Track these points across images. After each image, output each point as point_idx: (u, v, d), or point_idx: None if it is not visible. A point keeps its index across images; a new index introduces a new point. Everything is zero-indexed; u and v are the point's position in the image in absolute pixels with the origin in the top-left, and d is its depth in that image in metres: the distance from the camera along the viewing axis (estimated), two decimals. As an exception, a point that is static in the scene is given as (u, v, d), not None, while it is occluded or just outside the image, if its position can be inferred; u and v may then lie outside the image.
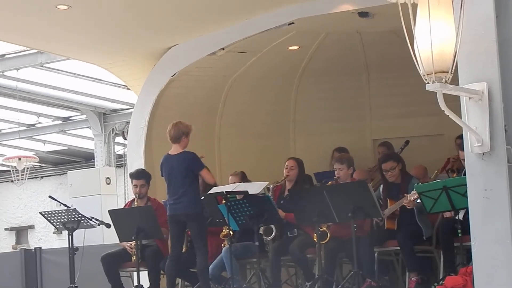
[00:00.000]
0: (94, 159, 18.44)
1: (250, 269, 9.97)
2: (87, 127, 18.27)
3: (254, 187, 9.10)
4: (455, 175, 9.35)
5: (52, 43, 11.08)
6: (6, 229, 22.40)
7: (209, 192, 9.04)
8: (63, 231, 10.43)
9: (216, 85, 11.73)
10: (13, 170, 16.95)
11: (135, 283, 9.49)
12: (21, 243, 21.67)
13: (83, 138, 19.66)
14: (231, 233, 9.14)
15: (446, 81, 5.57)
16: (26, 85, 15.86)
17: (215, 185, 9.24)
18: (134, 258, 9.56)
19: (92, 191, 17.05)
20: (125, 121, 17.04)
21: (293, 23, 9.99)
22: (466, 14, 5.66)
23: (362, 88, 12.23)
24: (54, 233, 19.40)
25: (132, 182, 10.01)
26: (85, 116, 17.93)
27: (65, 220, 9.84)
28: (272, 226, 9.35)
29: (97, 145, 18.12)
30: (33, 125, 18.62)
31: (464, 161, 6.15)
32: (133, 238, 9.37)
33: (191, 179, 8.94)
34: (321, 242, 8.69)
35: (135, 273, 9.59)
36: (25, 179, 17.10)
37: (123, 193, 18.30)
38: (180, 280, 9.80)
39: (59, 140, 19.84)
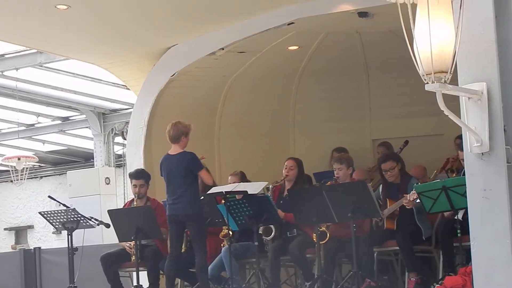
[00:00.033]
0: (93, 159, 18.40)
1: (250, 269, 9.96)
2: (87, 127, 18.23)
3: (254, 187, 9.10)
4: (454, 175, 9.34)
5: (51, 43, 11.06)
6: (5, 229, 22.37)
7: (208, 192, 9.04)
8: (62, 231, 10.41)
9: (216, 85, 11.72)
10: (12, 170, 16.93)
11: (135, 283, 9.51)
12: (21, 243, 21.66)
13: (82, 138, 19.63)
14: (231, 233, 9.13)
15: (445, 81, 5.56)
16: (25, 85, 15.83)
17: (214, 185, 9.25)
18: (133, 258, 9.56)
19: (92, 191, 17.03)
20: (125, 121, 17.02)
21: (292, 23, 9.99)
22: (466, 14, 5.65)
23: (361, 88, 12.22)
24: (53, 233, 19.40)
25: (131, 182, 10.01)
26: (84, 116, 17.91)
27: (65, 220, 9.84)
28: (272, 226, 9.34)
29: (97, 145, 18.09)
30: (33, 125, 18.59)
31: (464, 161, 6.14)
32: (132, 238, 9.38)
33: (190, 179, 8.93)
34: (321, 242, 8.69)
35: (134, 273, 9.59)
36: (24, 179, 17.08)
37: (122, 193, 18.28)
38: (179, 280, 9.80)
39: (59, 140, 19.81)
